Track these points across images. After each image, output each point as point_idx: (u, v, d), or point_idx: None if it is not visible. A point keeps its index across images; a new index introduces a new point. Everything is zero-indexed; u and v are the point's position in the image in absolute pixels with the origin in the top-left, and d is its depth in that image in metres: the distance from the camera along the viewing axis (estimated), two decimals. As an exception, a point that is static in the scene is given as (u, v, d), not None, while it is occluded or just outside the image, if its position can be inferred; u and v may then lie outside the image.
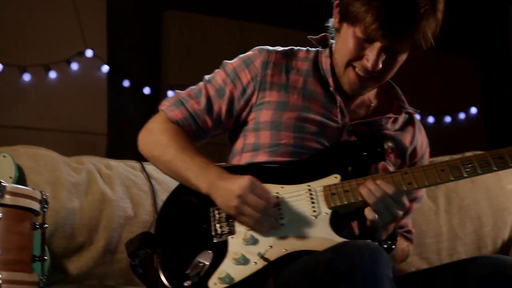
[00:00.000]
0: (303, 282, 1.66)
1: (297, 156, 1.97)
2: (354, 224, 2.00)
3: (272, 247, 1.80)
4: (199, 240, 1.84)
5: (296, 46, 2.12)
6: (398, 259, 2.08)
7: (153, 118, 2.08)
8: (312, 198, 1.88)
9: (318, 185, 1.90)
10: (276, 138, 1.99)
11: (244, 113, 2.05)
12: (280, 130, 1.99)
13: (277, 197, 1.87)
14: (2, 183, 1.88)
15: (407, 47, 1.90)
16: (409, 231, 2.15)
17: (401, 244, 2.07)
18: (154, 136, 2.03)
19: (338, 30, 1.98)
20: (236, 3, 5.41)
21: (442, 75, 5.78)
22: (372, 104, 2.08)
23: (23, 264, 1.92)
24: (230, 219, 1.87)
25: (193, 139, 2.04)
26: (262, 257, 1.77)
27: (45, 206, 2.01)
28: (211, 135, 2.10)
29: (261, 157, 2.00)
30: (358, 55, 1.91)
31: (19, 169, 2.37)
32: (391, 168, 1.88)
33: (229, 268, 1.76)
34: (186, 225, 1.90)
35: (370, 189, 1.81)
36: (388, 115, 2.05)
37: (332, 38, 2.07)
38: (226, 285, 1.73)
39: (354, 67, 1.94)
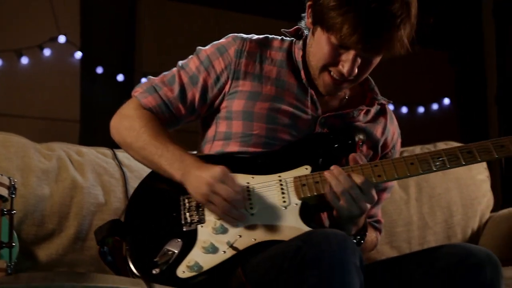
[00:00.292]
0: (271, 270, 1.67)
1: (269, 147, 1.98)
2: (324, 216, 2.01)
3: (241, 236, 1.80)
4: (168, 228, 1.84)
5: (270, 35, 2.11)
6: (366, 250, 2.10)
7: (125, 104, 2.07)
8: (282, 189, 1.88)
9: (288, 176, 1.90)
10: (248, 128, 1.99)
11: (217, 101, 2.05)
12: (252, 121, 1.99)
13: (248, 187, 1.87)
14: (-31, 169, 1.86)
15: (383, 53, 1.90)
16: (378, 221, 2.17)
17: (370, 235, 2.08)
18: (127, 122, 2.02)
19: (312, 32, 1.97)
20: (211, -10, 5.39)
21: (416, 66, 5.80)
22: (346, 97, 2.08)
23: (-10, 250, 1.91)
24: (200, 208, 1.87)
25: (166, 125, 2.04)
26: (231, 246, 1.78)
27: (13, 192, 2.00)
28: (184, 122, 2.10)
29: (233, 147, 2.00)
30: (334, 61, 1.90)
31: (-12, 155, 2.34)
32: (361, 161, 1.88)
33: (198, 256, 1.76)
34: (156, 213, 1.89)
35: (338, 179, 1.82)
36: (360, 107, 2.06)
37: (306, 30, 2.06)
38: (194, 273, 1.73)
39: (329, 71, 1.93)
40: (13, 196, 2.00)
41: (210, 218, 1.84)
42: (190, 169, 1.87)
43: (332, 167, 1.85)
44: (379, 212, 2.18)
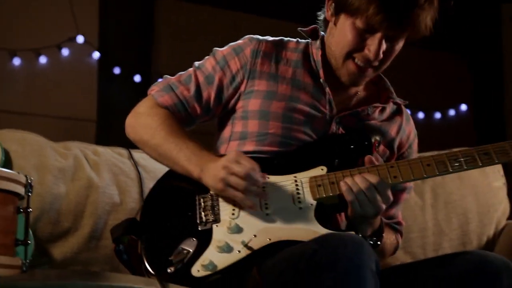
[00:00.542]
0: (287, 272, 1.66)
1: (284, 147, 1.98)
2: (340, 218, 2.00)
3: (256, 236, 1.80)
4: (183, 227, 1.84)
5: (286, 37, 2.12)
6: (387, 253, 2.09)
7: (141, 102, 2.08)
8: (297, 189, 1.88)
9: (304, 176, 1.90)
10: (264, 127, 1.99)
11: (233, 101, 2.05)
12: (268, 120, 1.99)
13: (264, 187, 1.87)
14: (-14, 166, 1.87)
15: (407, 35, 1.92)
16: (398, 223, 2.15)
17: (389, 237, 2.07)
18: (144, 119, 2.02)
19: (333, 22, 1.98)
20: (229, -7, 5.40)
21: (433, 72, 5.79)
22: (358, 93, 2.09)
23: (6, 247, 1.90)
24: (215, 207, 1.87)
25: (182, 124, 2.04)
26: (246, 245, 1.78)
27: (30, 190, 2.00)
28: (198, 122, 2.10)
29: (249, 146, 2.00)
30: (359, 46, 1.92)
31: (6, 153, 2.35)
32: (377, 162, 1.88)
33: (213, 255, 1.76)
34: (172, 212, 1.90)
35: (355, 179, 1.81)
36: (375, 105, 2.06)
37: (323, 30, 2.07)
38: (209, 272, 1.73)
39: (353, 58, 1.94)
40: (30, 194, 2.00)
41: (225, 217, 1.84)
42: (207, 163, 1.88)
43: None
44: (399, 213, 2.17)
